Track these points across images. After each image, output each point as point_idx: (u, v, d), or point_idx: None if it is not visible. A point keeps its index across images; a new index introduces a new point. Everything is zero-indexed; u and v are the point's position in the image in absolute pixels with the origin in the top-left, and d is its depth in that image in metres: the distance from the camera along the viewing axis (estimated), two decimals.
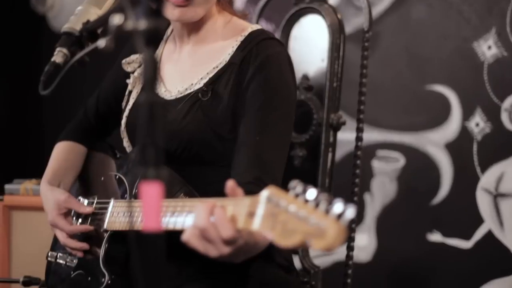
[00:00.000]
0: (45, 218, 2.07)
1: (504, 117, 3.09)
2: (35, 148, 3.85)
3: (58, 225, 1.97)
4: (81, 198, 2.04)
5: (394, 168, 3.31)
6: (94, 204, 1.98)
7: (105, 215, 1.88)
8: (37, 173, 3.14)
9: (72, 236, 1.96)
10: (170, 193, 1.77)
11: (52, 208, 1.98)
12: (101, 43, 1.41)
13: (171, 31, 2.05)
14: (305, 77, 2.42)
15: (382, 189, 3.32)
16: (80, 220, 2.00)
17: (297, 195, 1.24)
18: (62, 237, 1.97)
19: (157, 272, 1.09)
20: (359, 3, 2.66)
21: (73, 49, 1.68)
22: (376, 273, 3.32)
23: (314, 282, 2.34)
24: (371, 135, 3.27)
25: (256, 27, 1.94)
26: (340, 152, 3.16)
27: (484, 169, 3.13)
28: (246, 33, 1.90)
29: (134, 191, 1.84)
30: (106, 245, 1.86)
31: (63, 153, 2.13)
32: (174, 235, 1.53)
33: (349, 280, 2.38)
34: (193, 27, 1.93)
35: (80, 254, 1.96)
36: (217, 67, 1.88)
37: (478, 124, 3.14)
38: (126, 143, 2.02)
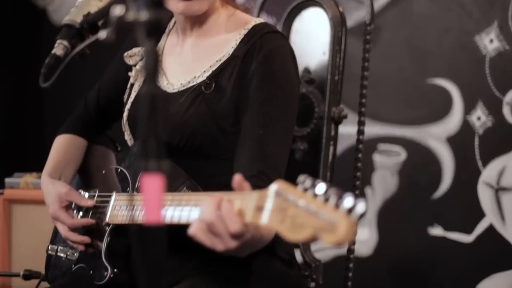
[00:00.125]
0: (45, 212, 2.07)
1: (506, 110, 3.09)
2: (35, 142, 3.85)
3: (60, 218, 1.96)
4: (81, 191, 2.03)
5: (395, 162, 3.31)
6: (95, 198, 1.97)
7: (107, 208, 1.87)
8: (37, 166, 3.13)
9: (73, 229, 1.96)
10: (173, 187, 1.76)
11: (54, 201, 1.98)
12: (102, 34, 1.40)
13: (174, 24, 2.04)
14: (307, 70, 2.41)
15: (383, 183, 3.32)
16: (81, 214, 1.99)
17: (305, 190, 1.23)
18: (64, 230, 1.96)
19: (158, 266, 1.08)
20: None
21: (73, 42, 1.68)
22: (377, 267, 3.31)
23: (315, 276, 2.34)
24: (372, 129, 3.26)
25: (259, 20, 1.93)
26: (342, 146, 3.15)
27: (485, 163, 3.12)
28: (250, 27, 1.89)
29: (136, 184, 1.83)
30: (108, 238, 1.85)
31: (64, 146, 2.13)
32: (176, 229, 1.53)
33: (350, 274, 2.38)
34: (197, 20, 1.92)
35: (81, 248, 1.96)
36: (220, 60, 1.88)
37: (480, 117, 3.13)
38: (127, 137, 2.01)
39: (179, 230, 1.55)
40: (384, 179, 3.31)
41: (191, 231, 1.40)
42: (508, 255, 3.09)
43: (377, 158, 3.33)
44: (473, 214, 3.14)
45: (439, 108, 3.21)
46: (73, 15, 1.68)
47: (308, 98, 2.39)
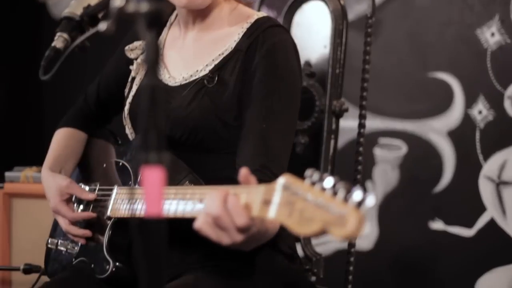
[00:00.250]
0: (45, 206, 2.06)
1: (507, 104, 3.08)
2: (35, 136, 3.84)
3: (61, 212, 1.96)
4: (82, 185, 2.03)
5: (396, 156, 3.30)
6: (96, 191, 1.97)
7: (108, 202, 1.87)
8: (37, 160, 3.13)
9: (74, 223, 1.95)
10: (175, 181, 1.76)
11: (54, 195, 1.97)
12: (102, 26, 1.39)
13: (175, 17, 2.03)
14: (308, 64, 2.40)
15: (384, 177, 3.31)
16: (81, 207, 1.99)
17: (313, 183, 1.23)
18: (65, 224, 1.96)
19: (159, 259, 1.08)
20: None
21: (73, 34, 1.67)
22: (378, 261, 3.31)
23: (316, 270, 2.33)
24: (373, 123, 3.26)
25: (261, 14, 1.93)
26: (342, 140, 3.14)
27: (486, 157, 3.12)
28: (252, 20, 1.89)
29: (138, 178, 1.83)
30: (110, 232, 1.85)
31: (64, 140, 2.12)
32: (178, 222, 1.52)
33: (351, 268, 2.37)
34: (199, 14, 1.92)
35: (82, 241, 1.95)
36: (222, 54, 1.87)
37: (481, 111, 3.13)
38: (128, 130, 2.00)
39: (181, 223, 1.55)
40: (385, 173, 3.31)
41: (197, 225, 1.39)
42: (509, 249, 3.08)
43: (377, 152, 3.33)
44: (474, 208, 3.14)
45: (440, 101, 3.20)
46: (73, 8, 1.67)
47: (309, 91, 2.38)
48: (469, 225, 3.16)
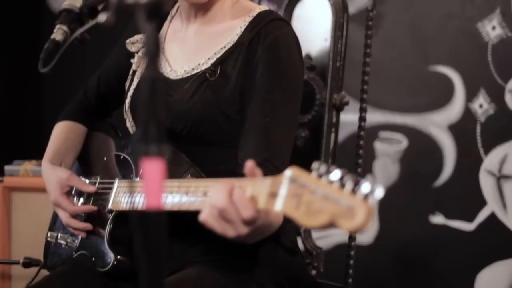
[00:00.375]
0: (45, 200, 2.06)
1: (508, 98, 3.07)
2: (34, 129, 3.83)
3: (61, 205, 1.95)
4: (82, 178, 2.02)
5: (396, 150, 3.29)
6: (97, 184, 1.96)
7: (109, 195, 1.86)
8: (37, 154, 3.12)
9: (74, 216, 1.95)
10: (177, 174, 1.76)
11: (55, 187, 1.97)
12: (102, 18, 1.38)
13: (176, 10, 2.03)
14: (308, 57, 2.39)
15: (385, 171, 3.30)
16: (81, 200, 1.98)
17: (320, 176, 1.22)
18: (65, 217, 1.95)
19: (159, 252, 1.07)
20: None
21: (73, 26, 1.66)
22: (378, 255, 3.31)
23: (317, 264, 2.33)
24: (373, 117, 3.25)
25: (264, 8, 1.92)
26: (342, 134, 3.13)
27: (487, 150, 3.11)
28: (254, 14, 1.88)
29: (140, 171, 1.82)
30: (111, 225, 1.84)
31: (63, 133, 2.12)
32: (179, 216, 1.52)
33: (351, 262, 2.37)
34: (201, 7, 1.91)
35: (83, 234, 1.95)
36: (224, 47, 1.87)
37: (482, 105, 3.12)
38: (129, 124, 2.00)
39: (183, 217, 1.54)
40: (385, 167, 3.30)
41: (202, 217, 1.39)
42: (510, 244, 3.08)
43: (378, 146, 3.32)
44: (474, 202, 3.13)
45: (440, 95, 3.20)
46: (73, 0, 1.66)
47: (310, 84, 2.37)
48: (470, 219, 3.15)
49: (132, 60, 2.01)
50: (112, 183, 1.88)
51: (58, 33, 1.65)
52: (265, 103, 1.78)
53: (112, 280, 1.87)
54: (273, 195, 1.29)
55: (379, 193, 1.16)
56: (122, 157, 1.94)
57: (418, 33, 3.23)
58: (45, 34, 1.76)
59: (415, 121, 3.25)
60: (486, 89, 3.11)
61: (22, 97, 3.94)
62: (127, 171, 1.90)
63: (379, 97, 3.24)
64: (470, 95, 3.14)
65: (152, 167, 1.06)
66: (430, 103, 3.22)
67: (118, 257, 1.83)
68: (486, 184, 3.11)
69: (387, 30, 3.25)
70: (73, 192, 2.00)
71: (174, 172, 1.76)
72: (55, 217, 2.11)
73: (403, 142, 3.28)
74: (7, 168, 3.26)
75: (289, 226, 1.88)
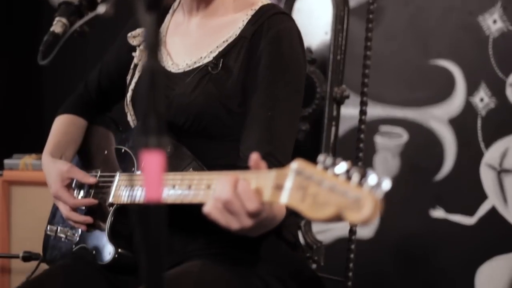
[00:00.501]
0: (45, 193, 2.05)
1: (509, 92, 3.07)
2: (34, 123, 3.83)
3: (62, 198, 1.95)
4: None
5: (397, 144, 3.29)
6: (98, 178, 1.96)
7: (110, 188, 1.86)
8: (36, 148, 3.12)
9: (75, 209, 1.94)
10: (179, 168, 1.75)
11: (55, 180, 1.96)
12: (101, 9, 1.37)
13: (178, 3, 2.02)
14: (309, 50, 2.38)
15: (385, 165, 3.30)
16: (81, 194, 1.98)
17: (326, 168, 1.21)
18: (65, 210, 1.95)
19: (159, 245, 1.07)
20: None
21: (72, 19, 1.66)
22: (378, 249, 3.31)
23: (317, 258, 2.32)
24: (374, 110, 3.24)
25: (266, 1, 1.91)
26: (343, 128, 3.13)
27: (488, 144, 3.11)
28: (257, 7, 1.88)
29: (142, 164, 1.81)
30: (112, 218, 1.84)
31: (64, 126, 2.11)
32: (180, 209, 1.51)
33: (352, 255, 2.36)
34: (203, 0, 1.91)
35: (83, 228, 1.94)
36: (227, 40, 1.86)
37: (483, 99, 3.11)
38: (130, 117, 1.99)
39: (184, 210, 1.54)
40: (386, 161, 3.30)
41: (206, 209, 1.38)
42: (510, 238, 3.08)
43: (378, 139, 3.32)
44: (475, 196, 3.13)
45: (441, 89, 3.19)
46: None
47: (310, 78, 2.36)
48: (470, 213, 3.15)
49: (133, 54, 2.01)
50: (113, 176, 1.87)
51: (58, 25, 1.65)
52: (268, 97, 1.77)
53: (113, 274, 1.87)
54: (278, 187, 1.28)
55: (386, 185, 1.15)
56: (123, 150, 1.93)
57: (418, 27, 3.22)
58: (45, 27, 1.75)
59: (415, 115, 3.24)
60: (487, 83, 3.10)
61: (21, 90, 3.93)
62: (128, 164, 1.89)
63: (379, 91, 3.23)
64: (471, 89, 3.14)
65: (152, 159, 1.05)
66: (430, 97, 3.22)
67: (119, 250, 1.82)
68: (487, 178, 3.11)
69: (388, 24, 3.25)
70: (73, 185, 1.99)
71: (176, 165, 1.75)
72: (54, 210, 2.11)
73: (403, 136, 3.28)
74: (6, 162, 3.25)
75: (290, 220, 1.88)
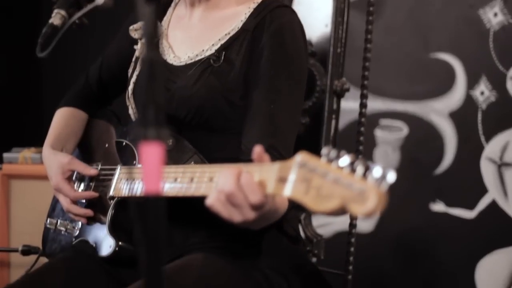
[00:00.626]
0: (44, 187, 2.04)
1: (510, 85, 3.06)
2: (34, 117, 3.82)
3: (62, 190, 1.94)
4: None
5: (397, 138, 3.28)
6: (99, 170, 1.95)
7: (111, 181, 1.85)
8: (36, 141, 3.11)
9: (75, 202, 1.94)
10: (181, 161, 1.75)
11: (56, 173, 1.96)
12: (99, 1, 1.37)
13: None
14: (309, 43, 2.37)
15: (385, 158, 3.29)
16: (82, 187, 1.97)
17: (330, 161, 1.20)
18: (66, 203, 1.94)
19: (158, 238, 1.06)
20: None
21: (71, 11, 1.65)
22: (378, 243, 3.30)
23: (317, 251, 2.32)
24: (374, 104, 3.24)
25: None
26: (343, 121, 3.12)
27: (488, 138, 3.10)
28: (259, 0, 1.87)
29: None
30: (113, 211, 1.83)
31: (64, 119, 2.11)
32: (181, 202, 1.50)
33: (352, 249, 2.36)
34: None
35: (83, 221, 1.94)
36: (229, 33, 1.85)
37: (483, 92, 3.11)
38: (131, 110, 1.98)
39: (185, 204, 1.53)
40: (386, 155, 3.29)
41: (209, 201, 1.38)
42: (511, 231, 3.08)
43: (378, 133, 3.31)
44: (475, 190, 3.13)
45: (441, 82, 3.19)
46: None
47: (310, 71, 2.35)
48: (471, 207, 3.15)
49: (135, 47, 2.00)
50: (114, 169, 1.87)
51: (56, 17, 1.64)
52: (270, 90, 1.77)
53: (113, 267, 1.86)
54: (282, 180, 1.27)
55: (391, 177, 1.14)
56: (124, 143, 1.93)
57: (419, 20, 3.21)
58: (44, 20, 1.75)
59: (415, 109, 3.24)
60: (488, 76, 3.09)
61: (21, 84, 3.92)
62: (129, 157, 1.89)
63: (379, 84, 3.23)
64: (471, 82, 3.13)
65: (151, 151, 1.04)
66: (431, 90, 3.21)
67: (120, 243, 1.82)
68: (487, 171, 3.10)
69: (388, 17, 3.24)
70: (73, 178, 1.99)
71: (177, 159, 1.75)
72: (54, 204, 2.10)
73: (403, 130, 3.27)
74: (5, 155, 3.25)
75: (291, 214, 1.88)
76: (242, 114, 1.78)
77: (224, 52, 1.83)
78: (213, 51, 1.85)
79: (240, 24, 1.86)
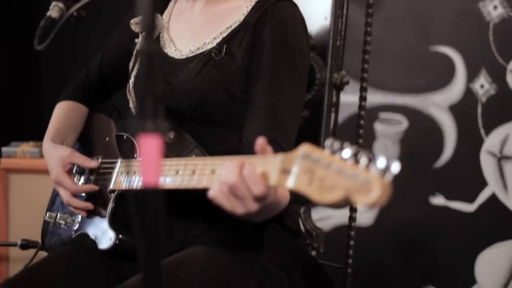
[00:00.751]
0: (43, 181, 2.04)
1: (510, 78, 3.06)
2: (32, 111, 3.82)
3: (63, 183, 1.94)
4: None
5: (396, 131, 3.28)
6: (99, 163, 1.95)
7: (111, 175, 1.85)
8: (34, 135, 3.11)
9: (75, 195, 1.94)
10: (182, 155, 1.75)
11: (57, 166, 1.95)
12: None
13: None
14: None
15: (385, 152, 3.29)
16: (82, 180, 1.97)
17: (333, 153, 1.20)
18: (66, 196, 1.94)
19: (156, 230, 1.05)
20: None
21: (69, 3, 1.65)
22: (378, 237, 3.30)
23: (316, 244, 2.32)
24: (373, 97, 3.23)
25: None
26: (342, 115, 3.12)
27: (488, 131, 3.10)
28: None
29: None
30: (113, 204, 1.83)
31: (64, 113, 2.11)
32: (183, 195, 1.50)
33: (351, 242, 2.35)
34: None
35: (83, 214, 1.94)
36: (230, 27, 1.85)
37: (483, 85, 3.10)
38: (132, 104, 1.98)
39: (187, 196, 1.53)
40: (386, 148, 3.29)
41: (211, 193, 1.37)
42: (510, 224, 3.08)
43: (378, 126, 3.30)
44: (475, 183, 3.12)
45: (441, 75, 3.18)
46: None
47: (309, 64, 2.34)
48: (470, 200, 3.14)
49: (136, 40, 2.00)
50: (115, 162, 1.87)
51: (54, 10, 1.64)
52: (272, 83, 1.76)
53: (113, 260, 1.86)
54: (285, 171, 1.27)
55: (395, 167, 1.14)
56: (125, 137, 1.92)
57: (418, 13, 3.20)
58: (43, 13, 1.75)
59: (415, 102, 3.23)
60: (487, 69, 3.08)
61: (20, 78, 3.91)
62: (130, 151, 1.89)
63: (379, 77, 3.22)
64: (471, 75, 3.12)
65: (149, 143, 1.03)
66: (430, 83, 3.20)
67: (120, 236, 1.82)
68: (487, 165, 3.10)
69: (388, 10, 3.23)
70: (73, 171, 1.98)
71: (178, 152, 1.75)
72: (53, 197, 2.10)
73: (403, 123, 3.27)
74: (4, 149, 3.24)
75: (292, 208, 1.87)
76: (243, 108, 1.78)
77: (225, 45, 1.83)
78: (214, 44, 1.85)
79: (241, 18, 1.85)
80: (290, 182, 1.25)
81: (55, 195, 2.10)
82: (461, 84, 3.14)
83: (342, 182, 1.16)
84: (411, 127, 3.26)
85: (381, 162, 1.14)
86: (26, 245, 2.82)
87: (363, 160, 1.16)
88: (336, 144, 1.20)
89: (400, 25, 3.24)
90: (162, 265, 1.08)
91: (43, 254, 2.10)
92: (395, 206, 3.25)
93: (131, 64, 2.00)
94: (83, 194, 1.96)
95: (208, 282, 1.66)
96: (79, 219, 1.97)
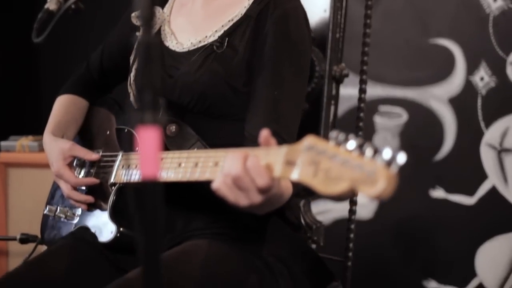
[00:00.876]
0: (42, 175, 2.03)
1: (510, 71, 3.05)
2: (31, 105, 3.81)
3: (64, 176, 1.93)
4: None
5: (396, 124, 3.27)
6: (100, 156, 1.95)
7: (112, 168, 1.85)
8: (33, 129, 3.10)
9: (76, 189, 1.93)
10: (183, 148, 1.74)
11: (57, 159, 1.95)
12: None
13: None
14: None
15: (385, 145, 3.28)
16: (82, 173, 1.97)
17: (338, 144, 1.19)
18: (67, 189, 1.93)
19: (155, 223, 1.05)
20: None
21: None
22: (378, 230, 3.30)
23: (316, 238, 2.31)
24: (373, 90, 3.22)
25: None
26: (342, 108, 3.11)
27: (488, 124, 3.09)
28: None
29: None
30: (114, 198, 1.83)
31: (64, 106, 2.10)
32: (184, 188, 1.49)
33: (352, 235, 2.35)
34: None
35: (84, 207, 1.93)
36: (232, 20, 1.85)
37: (483, 78, 3.09)
38: (133, 98, 1.97)
39: (188, 189, 1.52)
40: (385, 141, 3.28)
41: (215, 185, 1.37)
42: (511, 217, 3.07)
43: (378, 119, 3.30)
44: (475, 176, 3.12)
45: (441, 68, 3.17)
46: None
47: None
48: (470, 193, 3.14)
49: (137, 33, 1.99)
50: (115, 156, 1.86)
51: (52, 2, 1.63)
52: (274, 77, 1.76)
53: (113, 253, 1.86)
54: (289, 163, 1.26)
55: (401, 158, 1.13)
56: (126, 130, 1.92)
57: (418, 5, 3.19)
58: (42, 6, 1.74)
59: (415, 95, 3.23)
60: (487, 62, 3.08)
61: (19, 72, 3.91)
62: (131, 144, 1.88)
63: (379, 70, 3.21)
64: (471, 68, 3.12)
65: (148, 136, 1.03)
66: (430, 76, 3.20)
67: (121, 229, 1.82)
68: (487, 157, 3.09)
69: (387, 2, 3.22)
70: (74, 164, 1.98)
71: (180, 145, 1.75)
72: (53, 191, 2.10)
73: (403, 116, 3.26)
74: (3, 143, 3.24)
75: (293, 202, 1.87)
76: (245, 101, 1.78)
77: (227, 39, 1.83)
78: (216, 37, 1.84)
79: (243, 11, 1.85)
80: (295, 174, 1.24)
81: (54, 188, 2.10)
82: (461, 77, 3.14)
83: (348, 173, 1.16)
84: (411, 120, 3.25)
85: (386, 153, 1.13)
86: (25, 239, 2.82)
87: (369, 151, 1.15)
88: (341, 136, 1.19)
89: (399, 18, 3.23)
90: (162, 258, 1.07)
91: (42, 248, 2.10)
92: (395, 199, 3.24)
93: (132, 57, 2.00)
94: (84, 188, 1.95)
95: (209, 276, 1.66)
96: (79, 213, 1.97)
